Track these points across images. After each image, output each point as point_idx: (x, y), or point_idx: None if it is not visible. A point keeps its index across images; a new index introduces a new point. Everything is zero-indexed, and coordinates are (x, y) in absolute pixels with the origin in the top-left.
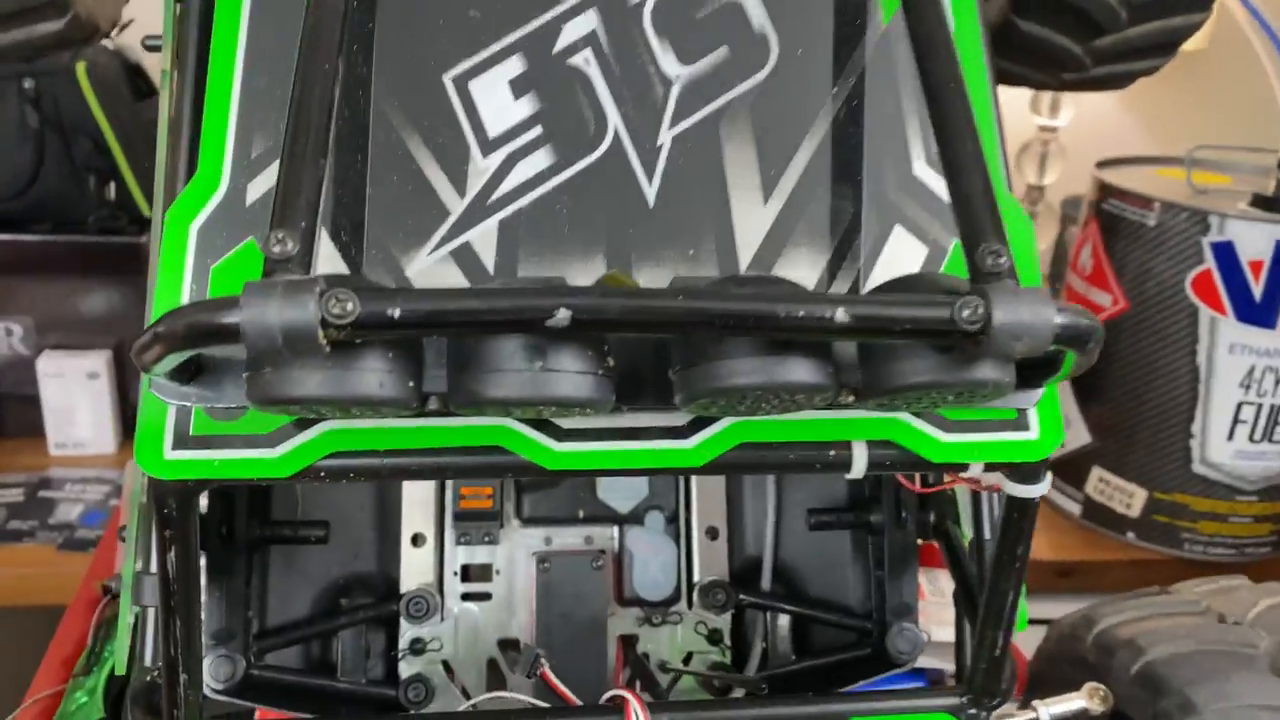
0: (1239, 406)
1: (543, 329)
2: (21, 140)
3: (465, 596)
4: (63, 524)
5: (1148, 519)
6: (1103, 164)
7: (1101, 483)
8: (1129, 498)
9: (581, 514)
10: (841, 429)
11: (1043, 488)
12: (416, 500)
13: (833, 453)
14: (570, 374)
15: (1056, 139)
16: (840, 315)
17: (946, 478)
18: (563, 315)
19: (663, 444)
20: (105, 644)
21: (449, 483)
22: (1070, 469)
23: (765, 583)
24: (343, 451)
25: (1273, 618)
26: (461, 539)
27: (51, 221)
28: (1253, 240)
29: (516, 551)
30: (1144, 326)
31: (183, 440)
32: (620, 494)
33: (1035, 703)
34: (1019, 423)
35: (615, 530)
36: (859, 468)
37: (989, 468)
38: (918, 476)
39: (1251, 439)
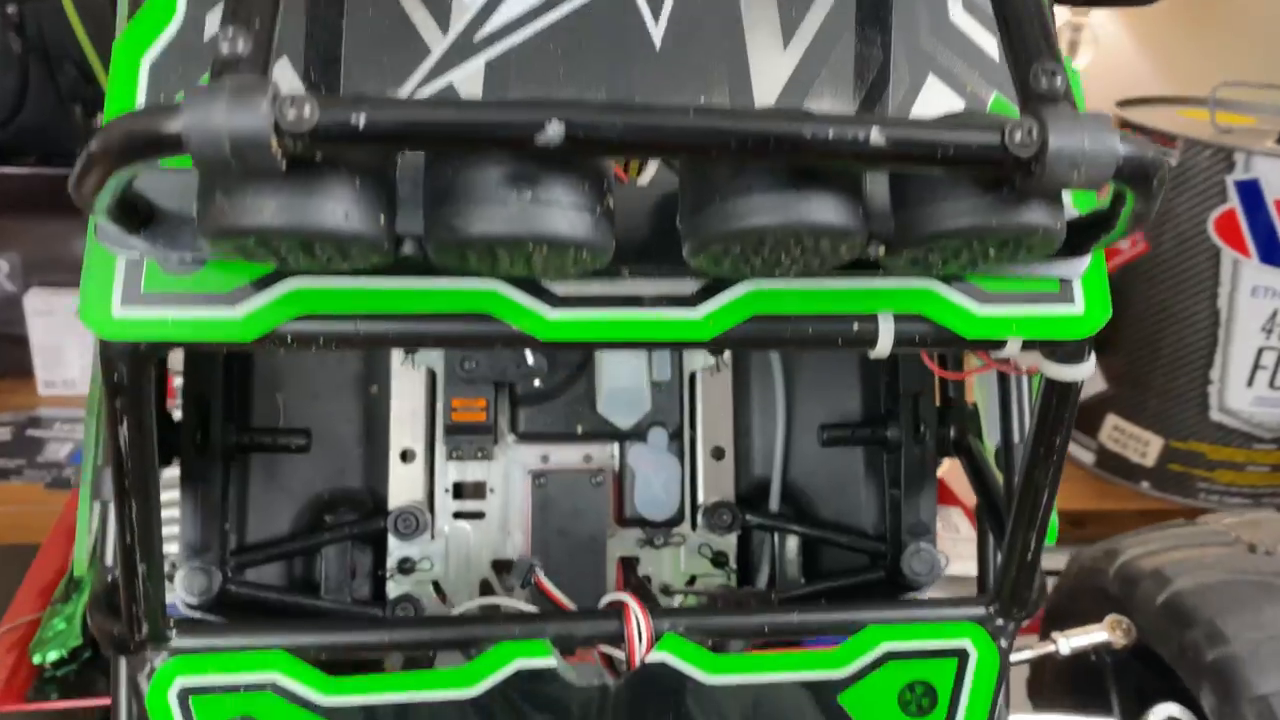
0: (1260, 352)
1: (532, 150)
2: (4, 68)
3: (457, 515)
4: (51, 463)
5: (1163, 468)
6: (1124, 103)
7: (1116, 431)
8: (1144, 446)
9: (580, 429)
10: (866, 300)
11: (1086, 369)
12: (405, 413)
13: (856, 326)
14: (564, 208)
15: None
16: (875, 136)
17: (978, 361)
18: (554, 130)
19: (667, 313)
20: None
21: (440, 394)
22: (1084, 417)
23: (773, 504)
24: (311, 316)
25: None
26: (453, 454)
27: (37, 154)
28: (1279, 178)
29: (512, 469)
30: (1163, 269)
31: (133, 296)
32: (622, 409)
33: (1055, 634)
34: (1062, 295)
35: (616, 448)
36: (884, 344)
37: (1027, 346)
38: (948, 358)
39: (1272, 385)
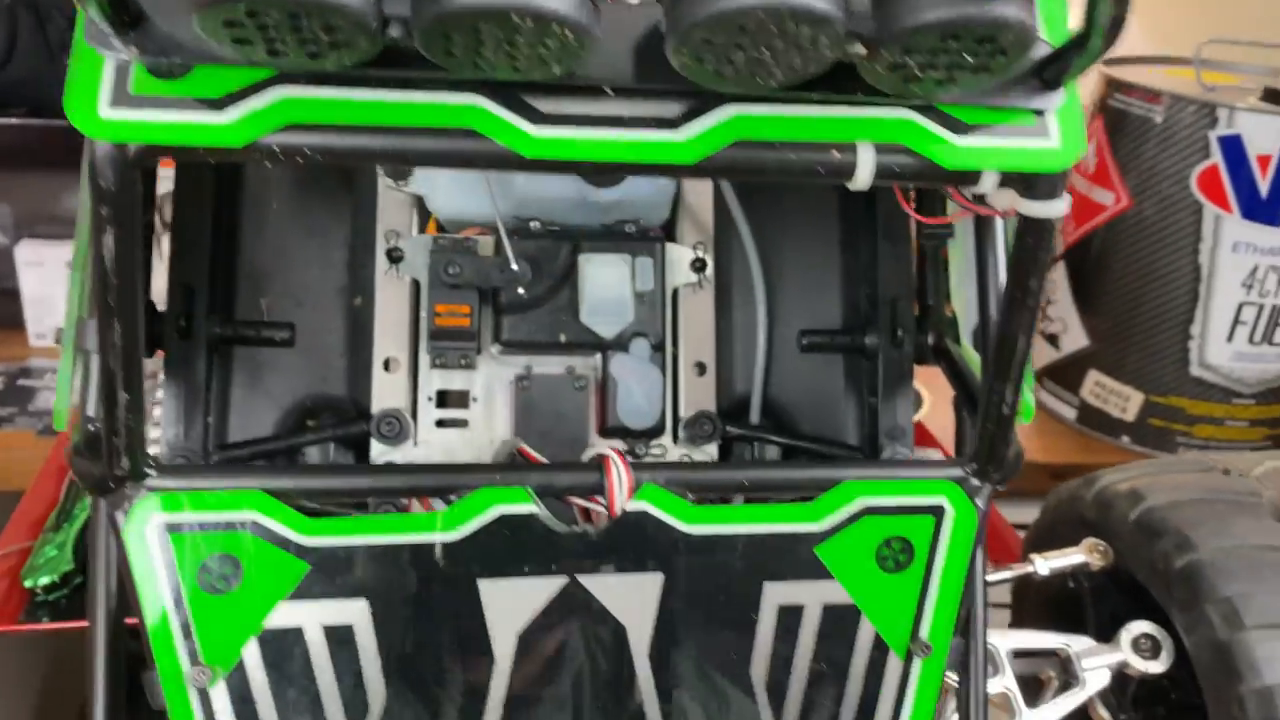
0: (1240, 307)
1: None
2: None
3: (440, 424)
4: (42, 411)
5: (1143, 423)
6: (1109, 62)
7: (1098, 386)
8: (1125, 401)
9: (564, 338)
10: (846, 129)
11: (1061, 206)
12: (390, 323)
13: (837, 154)
14: None
15: None
16: None
17: (953, 208)
18: None
19: (651, 135)
20: (76, 502)
21: (424, 302)
22: (1066, 372)
23: (754, 416)
24: (299, 126)
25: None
26: (437, 362)
27: (27, 106)
28: (1262, 134)
29: (495, 380)
30: (1146, 225)
31: (121, 99)
32: (605, 318)
33: (1033, 555)
34: (1039, 129)
35: (598, 359)
36: (864, 173)
37: (1004, 183)
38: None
39: (1251, 340)
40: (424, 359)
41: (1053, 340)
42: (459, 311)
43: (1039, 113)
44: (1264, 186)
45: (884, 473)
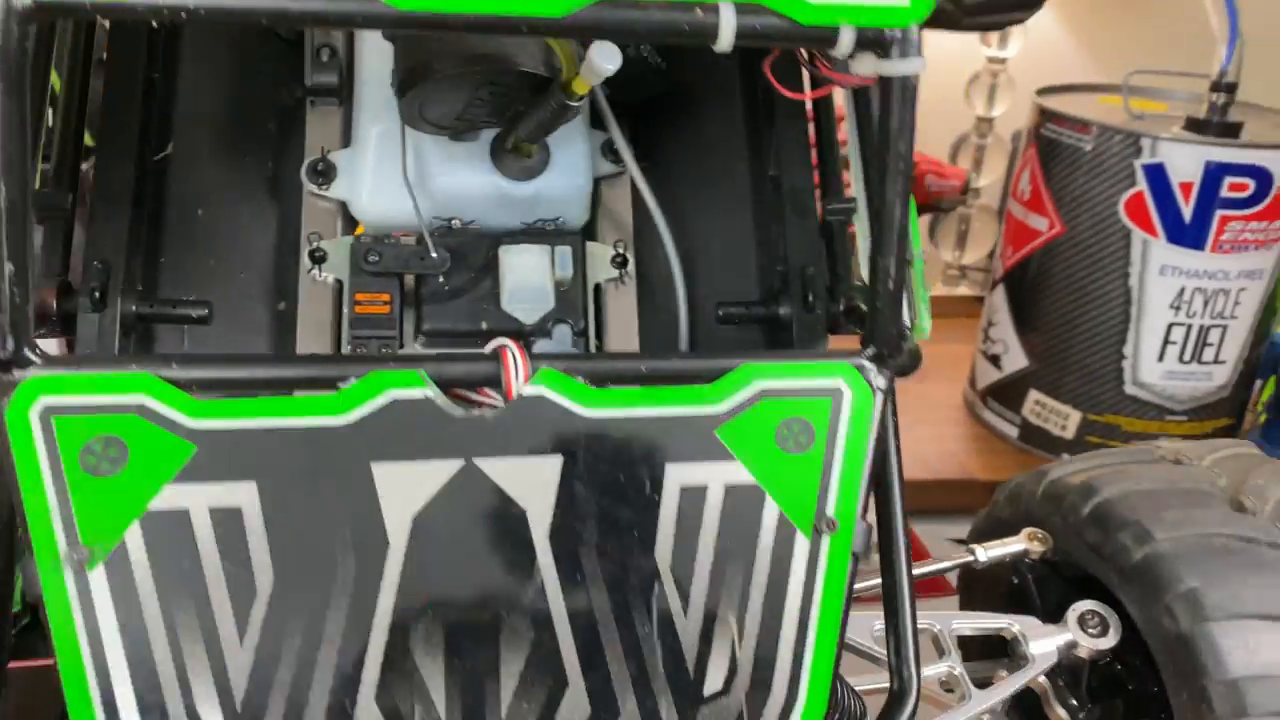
0: (1169, 328)
1: None
2: None
3: None
4: None
5: (1081, 440)
6: (1043, 91)
7: (1038, 405)
8: (1064, 419)
9: (485, 325)
10: None
11: (919, 63)
12: (312, 321)
13: (700, 13)
14: None
15: (1005, 70)
16: None
17: (823, 80)
18: None
19: None
20: None
21: (346, 295)
22: (1008, 393)
23: None
24: None
25: (1231, 463)
26: (358, 351)
27: None
28: (1183, 162)
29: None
30: (1079, 249)
31: None
32: (526, 305)
33: (973, 545)
34: None
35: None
36: (727, 34)
37: (863, 44)
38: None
39: (1181, 359)
40: (345, 349)
41: (995, 361)
42: (379, 299)
43: None
44: (1187, 212)
45: (782, 358)
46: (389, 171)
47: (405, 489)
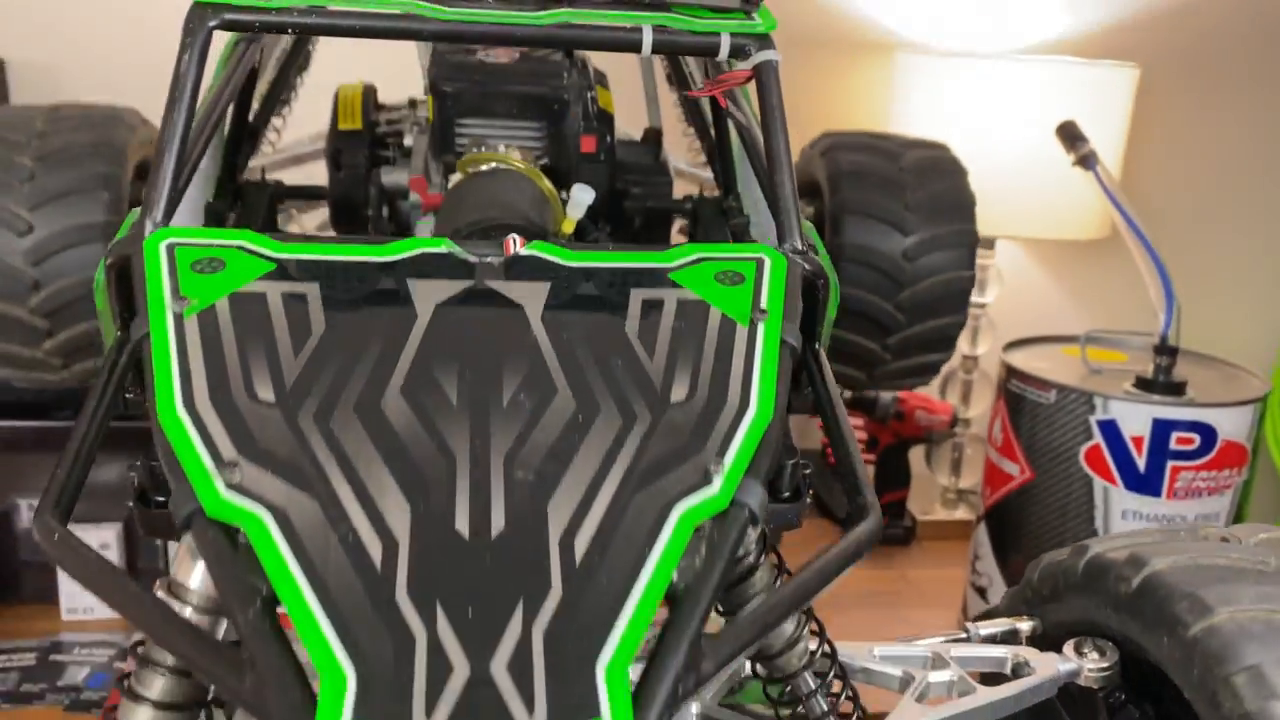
0: None
1: None
2: None
3: None
4: (70, 686)
5: None
6: (1011, 345)
7: None
8: None
9: None
10: (636, 19)
11: (776, 54)
12: None
13: (627, 33)
14: None
15: (986, 314)
16: None
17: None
18: None
19: (519, 13)
20: None
21: None
22: None
23: None
24: None
25: (1278, 547)
26: None
27: (71, 408)
28: (1133, 419)
29: None
30: (1048, 494)
31: None
32: None
33: (966, 623)
34: (746, 11)
35: None
36: (647, 44)
37: (735, 53)
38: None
39: None
40: None
41: (981, 593)
42: None
43: (746, 8)
44: (1141, 463)
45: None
46: None
47: (432, 290)
